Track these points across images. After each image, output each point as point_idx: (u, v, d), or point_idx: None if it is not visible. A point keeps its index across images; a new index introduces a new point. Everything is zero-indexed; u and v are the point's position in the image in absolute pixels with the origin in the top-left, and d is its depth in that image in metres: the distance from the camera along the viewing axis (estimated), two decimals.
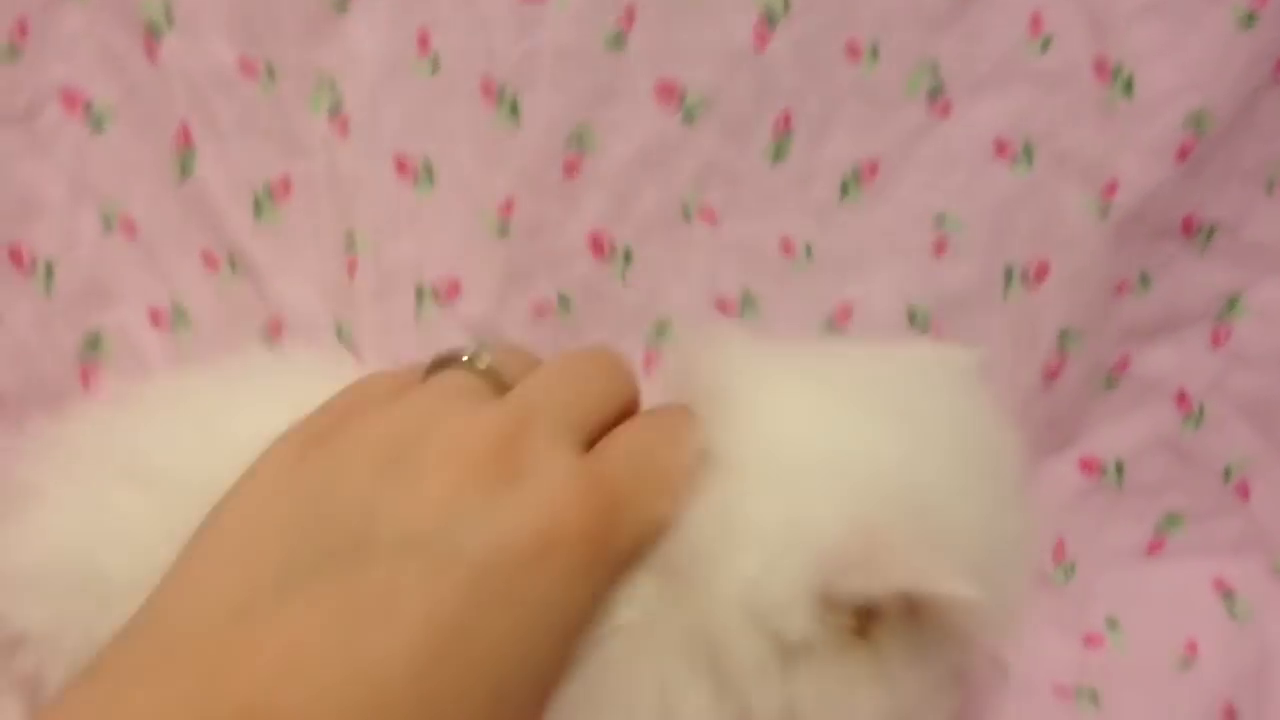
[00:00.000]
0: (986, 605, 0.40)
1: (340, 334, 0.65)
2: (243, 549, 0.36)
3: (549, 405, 0.41)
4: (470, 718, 0.34)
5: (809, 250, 0.64)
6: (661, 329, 0.65)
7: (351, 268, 0.64)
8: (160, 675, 0.33)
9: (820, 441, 0.44)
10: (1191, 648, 0.63)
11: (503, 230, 0.63)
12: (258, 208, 0.64)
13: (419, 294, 0.64)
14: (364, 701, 0.33)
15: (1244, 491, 0.65)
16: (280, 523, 0.37)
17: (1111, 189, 0.60)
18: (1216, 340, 0.64)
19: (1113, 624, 0.65)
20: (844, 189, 0.64)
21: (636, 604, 0.44)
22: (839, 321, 0.65)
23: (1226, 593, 0.65)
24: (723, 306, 0.65)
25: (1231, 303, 0.64)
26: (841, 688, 0.43)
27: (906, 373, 0.49)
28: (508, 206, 0.63)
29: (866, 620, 0.42)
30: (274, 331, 0.66)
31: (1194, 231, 0.62)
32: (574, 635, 0.38)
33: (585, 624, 0.39)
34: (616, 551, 0.39)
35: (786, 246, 0.64)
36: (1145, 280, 0.63)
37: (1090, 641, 0.65)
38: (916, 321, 0.64)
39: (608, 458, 0.41)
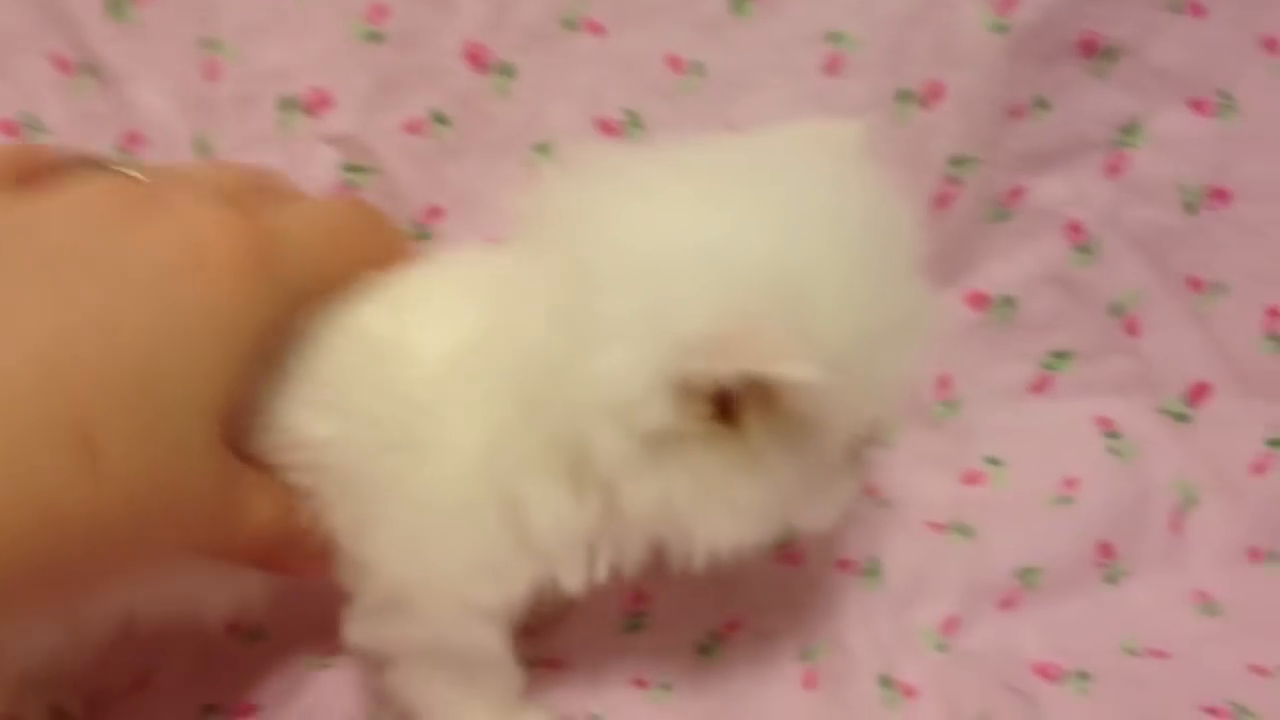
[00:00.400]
0: (837, 389, 0.40)
1: (199, 147, 0.62)
2: None
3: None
4: (113, 400, 0.36)
5: (698, 67, 0.61)
6: (543, 150, 0.62)
7: (212, 72, 0.60)
8: None
9: (682, 234, 0.42)
10: (1070, 484, 0.63)
11: (374, 37, 0.60)
12: (114, 7, 0.60)
13: (284, 104, 0.61)
14: None
15: (1133, 327, 0.64)
16: None
17: (1010, 3, 0.58)
18: (1112, 170, 0.62)
19: (994, 462, 0.64)
20: (735, 2, 0.60)
21: (484, 426, 0.44)
22: None
23: (1110, 431, 0.64)
24: (607, 128, 0.62)
25: (1129, 130, 0.62)
26: (714, 478, 0.43)
27: (781, 155, 0.47)
28: (379, 11, 0.59)
29: (729, 408, 0.41)
30: (130, 143, 0.62)
31: (1094, 53, 0.60)
32: (234, 347, 0.39)
33: (248, 340, 0.40)
34: (279, 280, 0.41)
35: (675, 63, 0.61)
36: (1041, 104, 0.61)
37: (970, 479, 0.64)
38: None
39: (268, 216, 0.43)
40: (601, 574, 0.46)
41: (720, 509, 0.43)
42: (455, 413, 0.45)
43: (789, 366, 0.39)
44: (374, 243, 0.48)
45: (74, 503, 0.36)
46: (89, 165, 0.45)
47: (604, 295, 0.41)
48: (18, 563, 0.35)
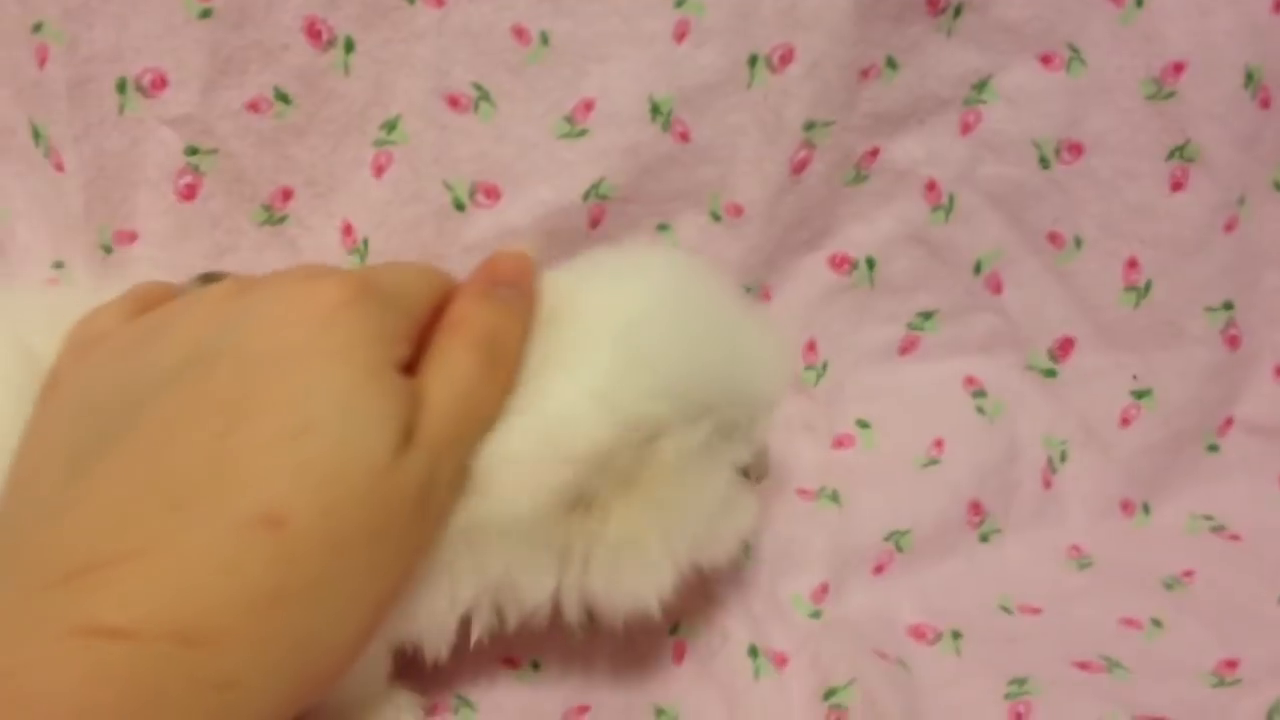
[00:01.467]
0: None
1: (38, 138, 0.59)
2: (30, 468, 0.40)
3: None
4: (273, 457, 0.37)
5: (545, 37, 0.60)
6: (390, 126, 0.61)
7: (41, 58, 0.58)
8: None
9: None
10: (938, 445, 0.62)
11: (205, 13, 0.58)
12: None
13: (121, 87, 0.59)
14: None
15: (995, 285, 0.64)
16: (60, 427, 0.41)
17: None
18: (965, 127, 0.62)
19: (863, 425, 0.64)
20: None
21: None
22: (579, 118, 0.61)
23: (977, 390, 0.64)
24: (454, 102, 0.61)
25: (980, 87, 0.61)
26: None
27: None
28: None
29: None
30: None
31: (940, 9, 0.60)
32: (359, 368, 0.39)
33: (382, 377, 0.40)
34: (381, 308, 0.41)
35: (520, 33, 0.60)
36: (892, 64, 0.60)
37: (840, 443, 0.63)
38: (660, 115, 0.60)
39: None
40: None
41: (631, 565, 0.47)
42: None
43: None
44: None
45: None
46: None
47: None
48: None
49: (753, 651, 0.55)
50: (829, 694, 0.52)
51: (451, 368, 0.42)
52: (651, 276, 0.49)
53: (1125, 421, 0.63)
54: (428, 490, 0.39)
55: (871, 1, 0.59)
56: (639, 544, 0.46)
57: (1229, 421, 0.64)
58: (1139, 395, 0.63)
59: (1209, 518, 0.63)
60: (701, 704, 0.53)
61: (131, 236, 0.60)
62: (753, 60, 0.60)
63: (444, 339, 0.43)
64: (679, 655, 0.56)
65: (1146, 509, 0.64)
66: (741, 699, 0.53)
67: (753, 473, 0.51)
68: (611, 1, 0.60)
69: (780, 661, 0.55)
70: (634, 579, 0.47)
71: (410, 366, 0.41)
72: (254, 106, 0.60)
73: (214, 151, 0.60)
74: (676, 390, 0.45)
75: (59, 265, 0.61)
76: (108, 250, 0.60)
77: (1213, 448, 0.64)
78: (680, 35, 0.59)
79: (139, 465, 0.37)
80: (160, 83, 0.59)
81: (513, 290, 0.46)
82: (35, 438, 0.41)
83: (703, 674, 0.54)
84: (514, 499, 0.44)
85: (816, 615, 0.57)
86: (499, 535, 0.45)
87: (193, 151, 0.60)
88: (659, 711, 0.53)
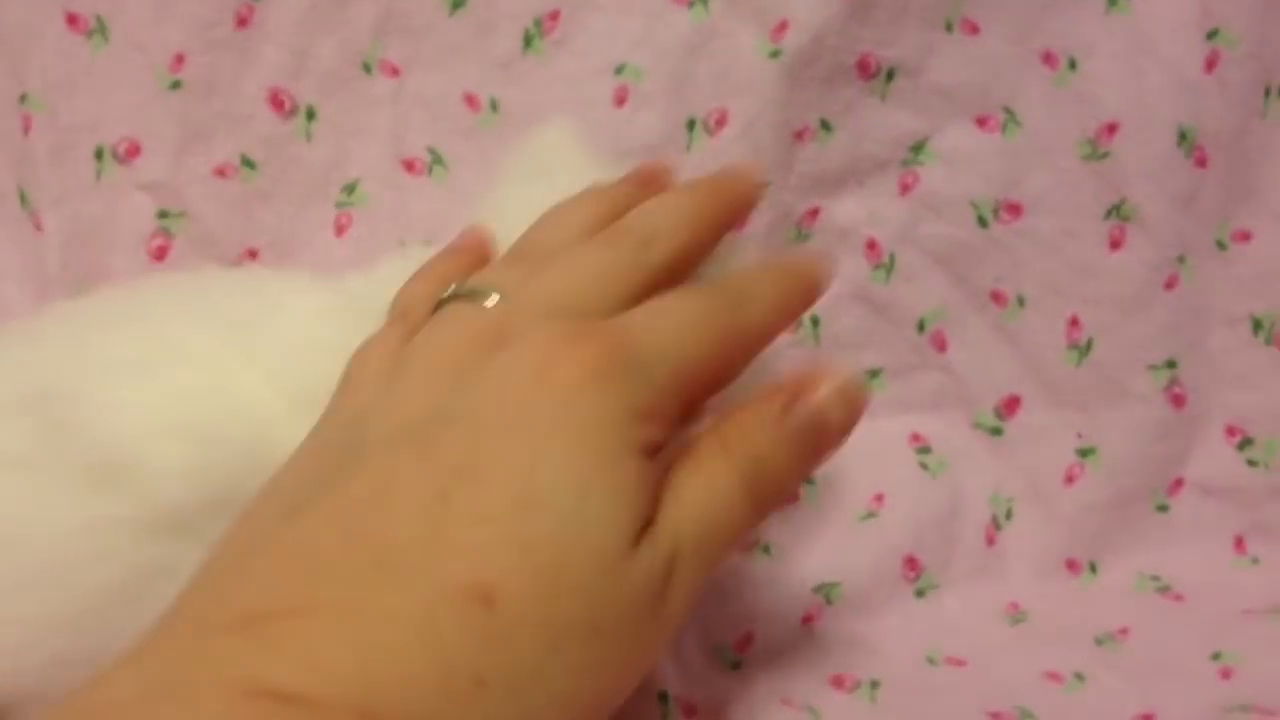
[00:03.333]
0: None
1: (23, 200, 0.64)
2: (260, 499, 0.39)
3: (544, 296, 0.41)
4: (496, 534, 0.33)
5: (494, 104, 0.63)
6: (350, 189, 0.64)
7: (26, 126, 0.62)
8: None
9: None
10: (879, 500, 0.63)
11: (175, 84, 0.62)
12: None
13: (99, 154, 0.63)
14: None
15: (940, 343, 0.65)
16: (297, 464, 0.40)
17: (781, 29, 0.59)
18: (904, 188, 0.63)
19: (808, 481, 0.64)
20: (526, 40, 0.62)
21: None
22: None
23: (921, 447, 0.65)
24: (410, 166, 0.64)
25: (917, 149, 0.63)
26: None
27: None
28: (179, 60, 0.62)
29: None
30: None
31: (872, 74, 0.61)
32: (602, 448, 0.35)
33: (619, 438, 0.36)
34: (634, 383, 0.36)
35: (471, 101, 0.63)
36: (827, 127, 0.62)
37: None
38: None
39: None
40: None
41: None
42: None
43: None
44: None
45: None
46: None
47: None
48: None
49: (663, 697, 0.55)
50: None
51: (713, 479, 0.37)
52: None
53: (1070, 479, 0.63)
54: (662, 588, 0.35)
55: (800, 66, 0.61)
56: None
57: (1179, 482, 0.64)
58: (1084, 453, 0.63)
59: (1156, 578, 0.62)
60: None
61: None
62: (690, 124, 0.62)
63: (711, 446, 0.38)
64: None
65: (1093, 568, 0.63)
66: None
67: None
68: (557, 69, 0.63)
69: (689, 712, 0.55)
70: None
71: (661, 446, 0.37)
72: (221, 172, 0.64)
73: (183, 214, 0.64)
74: None
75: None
76: None
77: (1162, 507, 0.64)
78: (620, 100, 0.62)
79: (348, 515, 0.33)
80: (134, 150, 0.63)
81: (816, 421, 0.40)
82: (280, 471, 0.40)
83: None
84: None
85: (736, 666, 0.58)
86: None
87: (163, 215, 0.64)
88: None
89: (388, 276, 0.52)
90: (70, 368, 0.50)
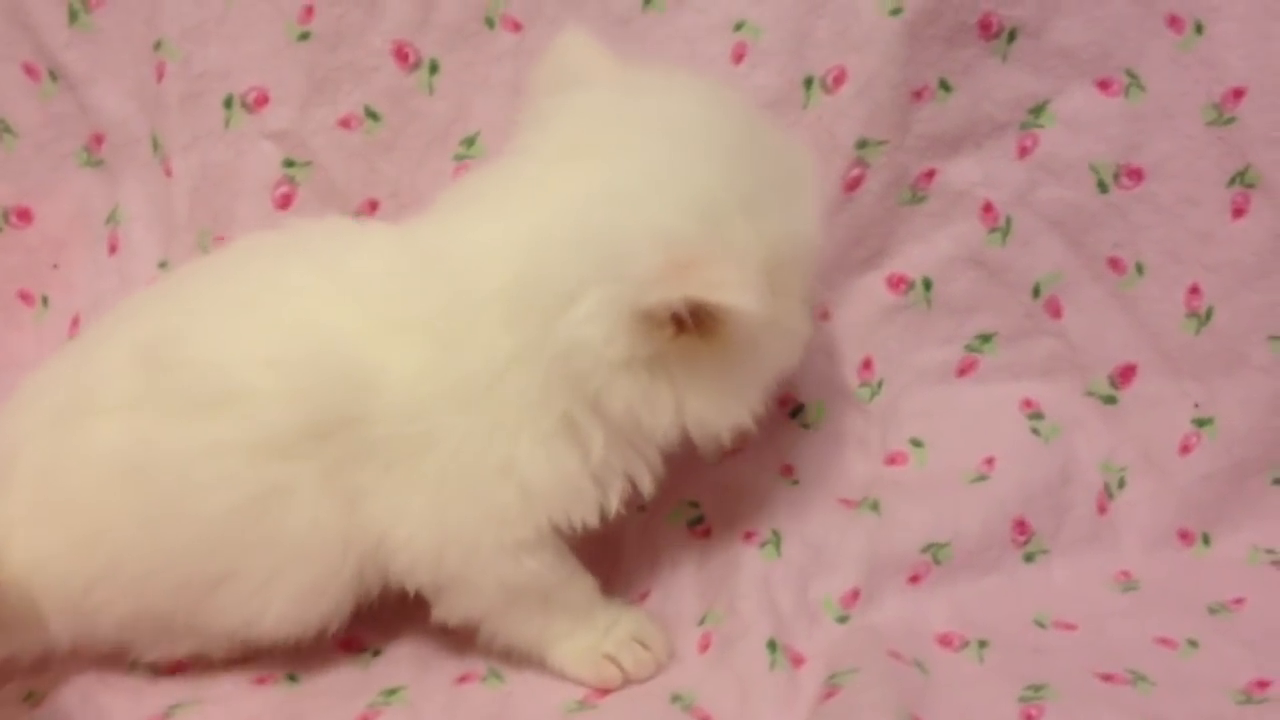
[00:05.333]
0: (766, 310, 0.46)
1: (155, 146, 0.66)
2: None
3: None
4: None
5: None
6: (470, 142, 0.65)
7: (160, 73, 0.64)
8: None
9: (617, 190, 0.49)
10: (989, 463, 0.63)
11: (304, 36, 0.63)
12: (71, 15, 0.65)
13: (228, 103, 0.65)
14: None
15: (1055, 309, 0.64)
16: None
17: None
18: (1022, 150, 0.63)
19: (916, 443, 0.64)
20: None
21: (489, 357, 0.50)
22: None
23: (1034, 413, 0.65)
24: None
25: (1037, 111, 0.62)
26: (695, 382, 0.51)
27: (696, 103, 0.53)
28: (309, 12, 0.63)
29: (694, 321, 0.48)
30: (96, 145, 0.67)
31: (994, 33, 0.61)
32: None
33: None
34: None
35: None
36: (946, 86, 0.62)
37: (893, 460, 0.64)
38: None
39: None
40: (613, 504, 0.53)
41: (723, 397, 0.51)
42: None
43: (728, 294, 0.46)
44: None
45: None
46: None
47: (564, 262, 0.48)
48: None
49: (771, 645, 0.56)
50: (830, 677, 0.53)
51: None
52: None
53: (1185, 449, 0.63)
54: None
55: (922, 24, 0.60)
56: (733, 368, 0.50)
57: None
58: (1200, 423, 0.63)
59: (1270, 551, 0.61)
60: (716, 690, 0.54)
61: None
62: (808, 81, 0.62)
63: None
64: (704, 645, 0.57)
65: (1206, 539, 0.62)
66: (754, 688, 0.54)
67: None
68: (676, 25, 0.64)
69: (797, 661, 0.56)
70: (708, 412, 0.51)
71: None
72: (345, 123, 0.65)
73: (308, 164, 0.65)
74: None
75: (163, 265, 0.66)
76: (206, 253, 0.66)
77: (1278, 481, 0.62)
78: (738, 57, 0.63)
79: None
80: (263, 99, 0.65)
81: None
82: None
83: (720, 662, 0.56)
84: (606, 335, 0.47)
85: (844, 620, 0.58)
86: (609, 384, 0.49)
87: (289, 164, 0.65)
88: (675, 697, 0.54)
89: (455, 226, 0.53)
90: (177, 314, 0.53)
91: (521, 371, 0.49)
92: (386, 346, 0.51)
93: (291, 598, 0.53)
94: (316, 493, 0.51)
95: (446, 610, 0.55)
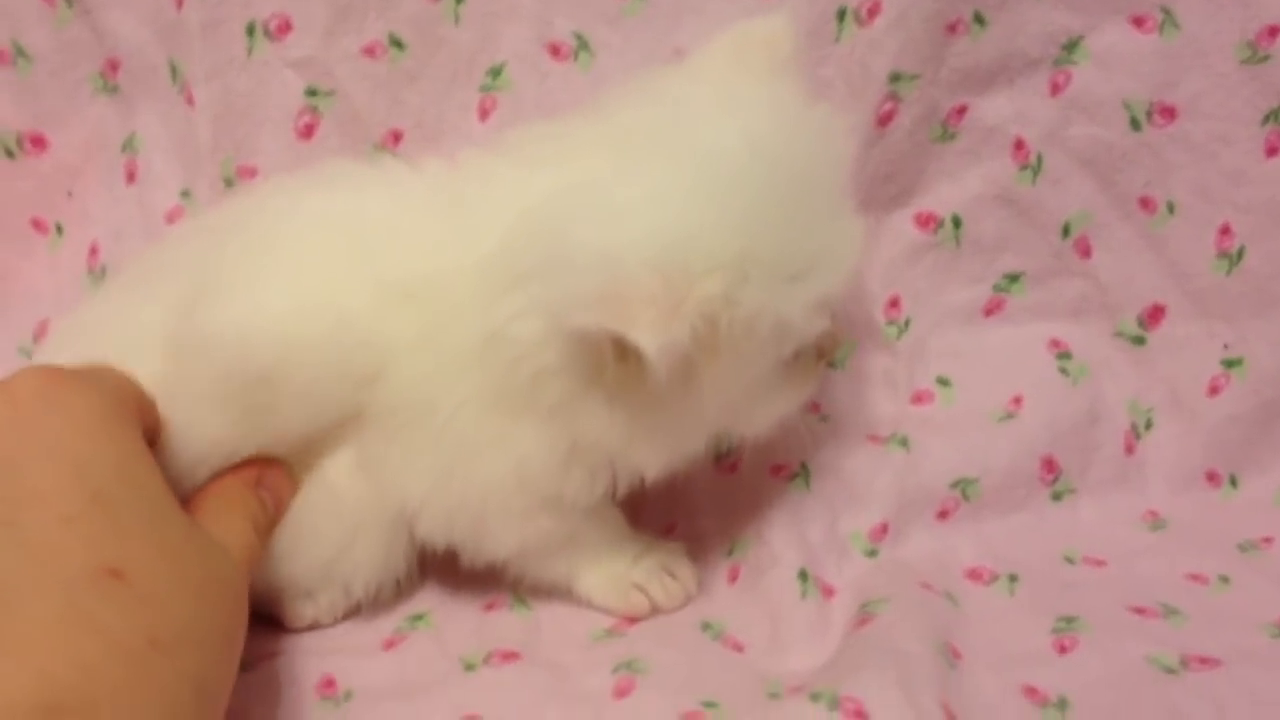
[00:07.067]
0: (667, 363, 0.44)
1: (175, 75, 0.65)
2: None
3: None
4: None
5: None
6: (496, 73, 0.64)
7: (180, 0, 0.63)
8: None
9: (586, 203, 0.47)
10: (1017, 402, 0.62)
11: None
12: None
13: (250, 30, 0.64)
14: None
15: (1084, 249, 0.64)
16: None
17: None
18: (1055, 87, 0.62)
19: (944, 382, 0.64)
20: None
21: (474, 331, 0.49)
22: None
23: (1062, 353, 0.64)
24: (555, 51, 0.64)
25: (1071, 47, 0.62)
26: (631, 411, 0.48)
27: (702, 98, 0.50)
28: None
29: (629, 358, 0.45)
30: (111, 71, 0.66)
31: None
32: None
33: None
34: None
35: None
36: (980, 20, 0.61)
37: (919, 399, 0.64)
38: None
39: None
40: (596, 491, 0.52)
41: (642, 436, 0.49)
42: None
43: (638, 333, 0.43)
44: None
45: None
46: None
47: (527, 244, 0.46)
48: None
49: (803, 575, 0.55)
50: (863, 606, 0.53)
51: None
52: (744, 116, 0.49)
53: (1214, 390, 0.62)
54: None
55: None
56: (654, 410, 0.48)
57: None
58: (1229, 364, 0.62)
59: None
60: (747, 619, 0.54)
61: (252, 171, 0.65)
62: (841, 13, 0.61)
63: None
64: (733, 576, 0.57)
65: (1234, 481, 0.62)
66: (785, 616, 0.54)
67: (825, 352, 0.52)
68: None
69: (828, 593, 0.55)
70: (643, 447, 0.50)
71: None
72: (370, 51, 0.64)
73: (332, 93, 0.64)
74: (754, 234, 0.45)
75: (186, 194, 0.65)
76: (229, 183, 0.65)
77: None
78: None
79: None
80: (285, 27, 0.63)
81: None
82: None
83: (750, 590, 0.55)
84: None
85: (873, 554, 0.58)
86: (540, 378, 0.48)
87: (312, 93, 0.64)
88: (705, 625, 0.54)
89: (469, 169, 0.53)
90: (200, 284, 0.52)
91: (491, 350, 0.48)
92: (382, 314, 0.50)
93: (369, 565, 0.54)
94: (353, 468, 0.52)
95: (471, 559, 0.55)
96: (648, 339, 0.43)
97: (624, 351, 0.45)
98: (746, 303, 0.45)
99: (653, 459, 0.50)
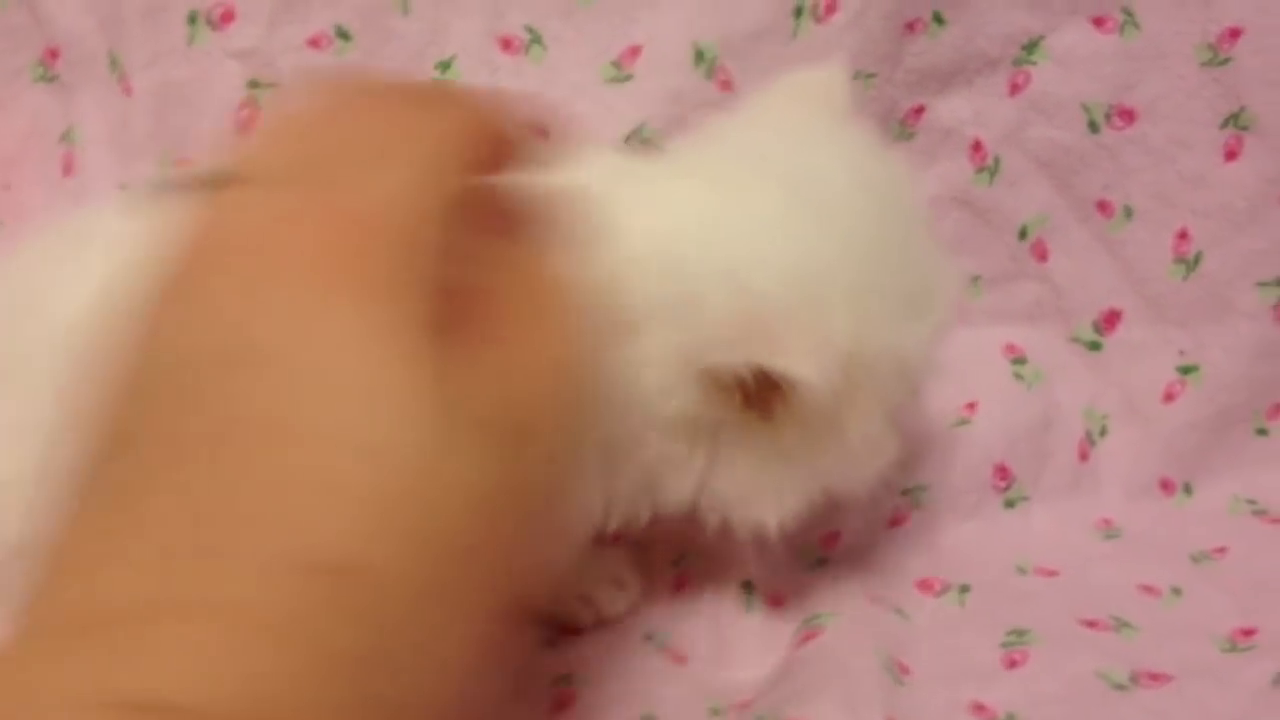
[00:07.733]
0: (829, 395, 0.41)
1: (113, 64, 0.63)
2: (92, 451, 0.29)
3: None
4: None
5: None
6: (445, 66, 0.63)
7: None
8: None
9: (710, 235, 0.44)
10: (970, 408, 0.61)
11: None
12: None
13: (192, 19, 0.62)
14: None
15: (1041, 252, 0.63)
16: (120, 404, 0.29)
17: None
18: (1014, 88, 0.61)
19: None
20: None
21: None
22: (625, 63, 0.62)
23: (1017, 358, 0.63)
24: (507, 44, 0.62)
25: (1030, 47, 0.61)
26: (749, 462, 0.45)
27: (790, 137, 0.48)
28: None
29: (760, 398, 0.42)
30: (50, 59, 0.64)
31: None
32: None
33: None
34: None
35: None
36: (939, 19, 0.60)
37: None
38: (703, 62, 0.61)
39: None
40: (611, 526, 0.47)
41: (757, 490, 0.45)
42: None
43: (793, 362, 0.40)
44: None
45: None
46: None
47: (641, 288, 0.42)
48: None
49: (747, 586, 0.54)
50: (809, 619, 0.52)
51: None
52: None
53: (1169, 397, 0.62)
54: (510, 479, 0.29)
55: None
56: (779, 461, 0.45)
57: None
58: (1185, 370, 0.62)
59: (1251, 501, 0.60)
60: (690, 630, 0.53)
61: (190, 164, 0.63)
62: (798, 10, 0.60)
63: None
64: (679, 586, 0.55)
65: (1188, 489, 0.61)
66: (728, 629, 0.53)
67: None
68: None
69: (774, 602, 0.54)
70: (756, 501, 0.46)
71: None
72: (315, 43, 0.63)
73: (274, 85, 0.63)
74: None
75: (123, 187, 0.64)
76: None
77: (1261, 431, 0.62)
78: None
79: (184, 492, 0.27)
80: (228, 16, 0.62)
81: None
82: (102, 416, 0.29)
83: (695, 604, 0.54)
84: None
85: (821, 563, 0.57)
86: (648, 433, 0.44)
87: (254, 85, 0.63)
88: (647, 637, 0.53)
89: None
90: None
91: None
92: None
93: None
94: None
95: None
96: (806, 369, 0.40)
97: (759, 394, 0.42)
98: (873, 340, 0.43)
99: (750, 510, 0.46)
